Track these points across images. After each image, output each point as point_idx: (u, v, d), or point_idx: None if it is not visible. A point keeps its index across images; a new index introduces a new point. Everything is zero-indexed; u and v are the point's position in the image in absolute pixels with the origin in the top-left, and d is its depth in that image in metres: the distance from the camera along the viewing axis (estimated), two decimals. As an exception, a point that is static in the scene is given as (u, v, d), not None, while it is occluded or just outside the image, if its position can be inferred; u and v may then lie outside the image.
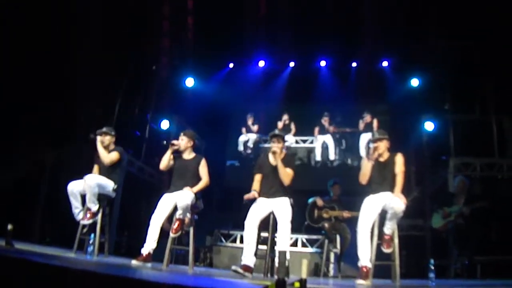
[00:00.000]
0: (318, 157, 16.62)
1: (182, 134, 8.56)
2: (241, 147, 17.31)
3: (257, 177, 8.19)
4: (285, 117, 16.70)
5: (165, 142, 8.51)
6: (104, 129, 9.03)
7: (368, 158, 7.63)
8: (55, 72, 12.28)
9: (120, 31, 13.54)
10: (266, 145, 16.87)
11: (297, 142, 17.76)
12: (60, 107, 12.77)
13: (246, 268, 7.28)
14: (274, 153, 7.93)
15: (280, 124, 16.38)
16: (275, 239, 7.69)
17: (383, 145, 7.52)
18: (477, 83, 13.74)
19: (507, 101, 13.03)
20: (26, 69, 11.57)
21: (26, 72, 11.59)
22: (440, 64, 14.44)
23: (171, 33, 16.27)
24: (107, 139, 8.98)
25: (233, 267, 7.33)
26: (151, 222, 7.88)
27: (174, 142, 8.43)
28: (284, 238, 7.44)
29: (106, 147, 8.93)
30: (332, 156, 16.46)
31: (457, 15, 13.37)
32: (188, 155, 8.54)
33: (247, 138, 17.23)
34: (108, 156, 8.85)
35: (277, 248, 7.47)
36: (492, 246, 11.56)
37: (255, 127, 17.10)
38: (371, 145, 7.63)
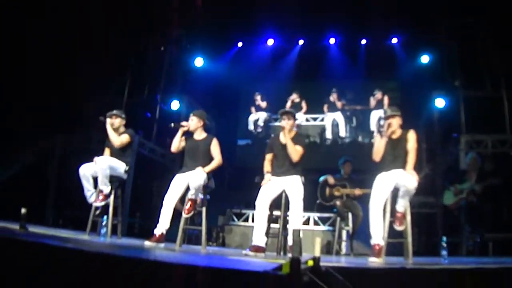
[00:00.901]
0: (328, 134, 16.61)
1: (191, 114, 8.53)
2: (251, 126, 17.31)
3: (268, 157, 8.21)
4: (294, 96, 16.69)
5: (172, 124, 8.47)
6: (114, 112, 9.03)
7: (381, 135, 7.61)
8: (63, 57, 12.30)
9: (128, 12, 13.51)
10: (277, 124, 16.89)
11: (307, 120, 17.75)
12: (68, 92, 12.79)
13: (257, 248, 7.31)
14: (283, 129, 7.93)
15: (288, 103, 16.34)
16: (287, 217, 7.70)
17: (395, 122, 7.48)
18: (488, 59, 13.64)
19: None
20: (35, 54, 11.60)
21: (34, 57, 11.62)
22: (450, 41, 14.35)
23: (180, 13, 16.20)
24: (117, 121, 8.98)
25: (244, 252, 7.37)
26: (164, 202, 7.91)
27: (183, 123, 8.40)
28: (296, 217, 7.46)
29: (116, 130, 8.92)
30: (342, 133, 16.45)
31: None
32: (199, 135, 8.52)
33: (257, 117, 17.23)
34: (119, 139, 8.86)
35: (290, 227, 7.49)
36: (504, 224, 11.54)
37: (264, 104, 17.07)
38: (384, 122, 7.59)
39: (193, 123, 8.45)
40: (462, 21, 14.13)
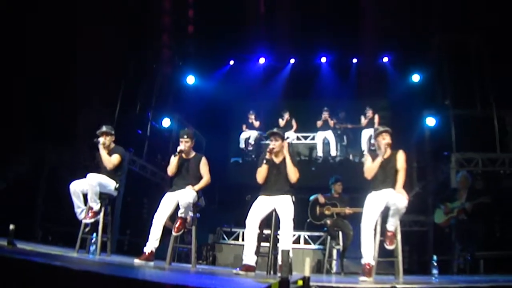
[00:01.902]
0: (319, 153, 16.63)
1: (185, 136, 8.47)
2: (242, 144, 17.30)
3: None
4: (286, 114, 16.74)
5: (176, 154, 8.44)
6: (104, 129, 8.96)
7: (372, 154, 7.66)
8: (56, 71, 12.29)
9: (121, 29, 13.54)
10: (268, 142, 16.92)
11: (298, 138, 17.76)
12: (61, 106, 12.78)
13: (248, 267, 7.27)
14: (274, 151, 7.89)
15: (282, 122, 16.42)
16: (278, 236, 7.68)
17: (388, 136, 7.51)
18: (479, 78, 13.71)
19: (508, 96, 13.02)
20: (28, 67, 11.59)
21: (27, 70, 11.61)
22: (441, 60, 14.43)
23: (172, 31, 16.26)
24: (108, 139, 8.94)
25: (234, 271, 7.32)
26: (154, 221, 7.90)
27: (181, 148, 8.40)
28: (286, 236, 7.42)
29: (107, 147, 8.90)
30: (333, 152, 16.46)
31: (457, 10, 13.35)
32: (189, 154, 8.54)
33: (248, 135, 17.23)
34: (111, 161, 8.81)
35: (280, 246, 7.47)
36: (495, 242, 11.56)
37: (257, 123, 17.10)
38: (378, 137, 7.61)
39: (188, 144, 8.46)
40: (453, 40, 14.21)
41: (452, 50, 14.25)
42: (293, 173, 7.79)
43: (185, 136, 8.48)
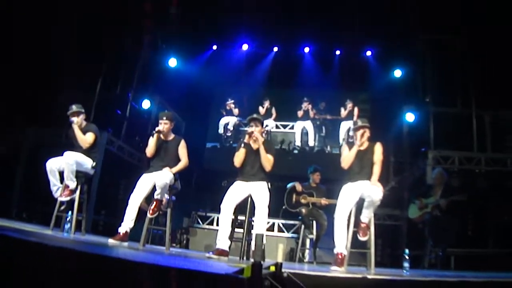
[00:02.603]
0: (297, 142, 16.69)
1: (164, 117, 8.48)
2: (221, 130, 17.32)
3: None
4: (267, 102, 16.78)
5: (154, 132, 8.41)
6: (74, 109, 8.83)
7: (350, 145, 7.70)
8: (35, 51, 12.21)
9: (103, 10, 13.44)
10: (246, 129, 16.94)
11: (277, 127, 17.78)
12: (40, 86, 12.71)
13: (221, 252, 7.30)
14: (253, 137, 7.92)
15: (262, 110, 16.46)
16: (252, 222, 7.71)
17: (367, 132, 7.56)
18: (460, 76, 13.80)
19: (488, 96, 13.12)
20: (6, 48, 11.50)
21: (5, 52, 11.52)
22: (424, 56, 14.50)
23: (155, 13, 16.14)
24: (80, 118, 8.85)
25: (207, 254, 7.34)
26: (130, 201, 7.90)
27: (159, 128, 8.39)
28: (261, 222, 7.45)
29: (79, 126, 8.83)
30: (311, 142, 16.54)
31: (442, 8, 13.39)
32: (168, 136, 8.55)
33: (228, 120, 17.25)
34: (86, 140, 8.72)
35: (254, 232, 7.50)
36: (467, 239, 11.69)
37: (236, 111, 17.12)
38: (355, 132, 7.66)
39: (167, 126, 8.46)
40: (437, 37, 14.28)
41: (435, 48, 14.31)
42: (266, 162, 7.86)
43: (164, 118, 8.48)
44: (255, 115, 8.21)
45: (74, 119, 8.74)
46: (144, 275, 3.57)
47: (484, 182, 12.77)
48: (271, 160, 7.91)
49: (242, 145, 7.98)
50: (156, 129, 8.38)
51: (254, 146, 7.98)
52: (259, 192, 7.67)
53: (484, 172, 12.77)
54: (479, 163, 12.75)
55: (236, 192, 7.75)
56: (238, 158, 8.02)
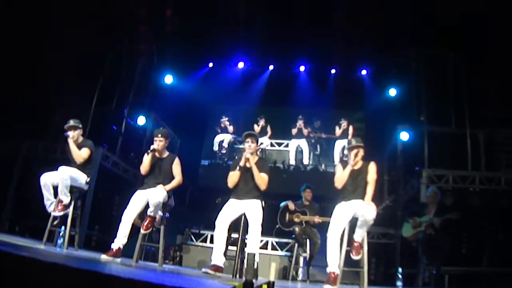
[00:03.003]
0: (292, 161, 16.71)
1: (159, 135, 8.48)
2: (216, 147, 17.32)
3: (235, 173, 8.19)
4: (262, 121, 16.81)
5: (149, 151, 8.42)
6: (72, 123, 8.88)
7: (344, 164, 7.73)
8: (32, 64, 12.24)
9: (99, 25, 13.49)
10: (241, 146, 16.95)
11: (272, 145, 17.81)
12: (36, 99, 12.72)
13: (216, 268, 7.30)
14: (247, 159, 7.96)
15: (257, 128, 16.49)
16: (245, 240, 7.72)
17: (361, 152, 7.59)
18: (454, 96, 13.86)
19: (482, 115, 13.17)
20: (3, 60, 11.52)
21: (4, 64, 11.54)
22: (418, 76, 14.55)
23: (152, 29, 16.18)
24: (76, 133, 8.87)
25: (203, 269, 7.34)
26: (123, 217, 7.88)
27: (155, 147, 8.40)
28: (254, 240, 7.47)
29: (75, 141, 8.85)
30: (306, 160, 16.56)
31: (436, 27, 13.46)
32: (163, 154, 8.55)
33: (222, 138, 17.25)
34: (81, 155, 8.75)
35: (247, 250, 7.51)
36: (461, 258, 11.69)
37: (231, 128, 17.13)
38: (349, 152, 7.69)
39: (162, 143, 8.46)
40: (431, 56, 14.34)
41: (429, 67, 14.38)
42: (260, 181, 7.90)
43: (160, 135, 8.48)
44: (251, 132, 8.25)
45: (70, 133, 8.76)
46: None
47: (478, 200, 12.79)
48: (265, 178, 7.93)
49: (238, 168, 8.00)
50: (151, 147, 8.37)
51: (248, 164, 8.01)
52: (253, 210, 7.68)
53: (478, 191, 12.79)
54: (473, 182, 12.76)
55: (231, 209, 7.76)
56: (232, 179, 8.06)
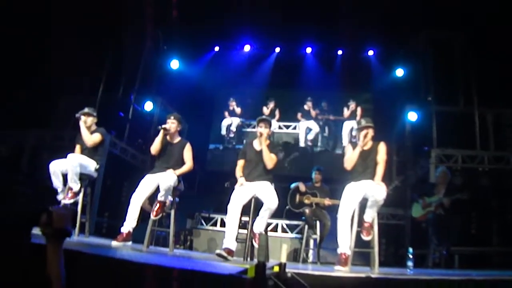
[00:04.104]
0: (302, 143, 16.69)
1: (172, 117, 8.53)
2: (224, 131, 17.32)
3: (240, 163, 8.29)
4: (271, 103, 16.80)
5: (161, 127, 8.41)
6: (86, 110, 8.95)
7: (353, 145, 7.73)
8: (37, 53, 12.23)
9: (105, 12, 13.44)
10: (249, 130, 16.95)
11: (280, 127, 17.77)
12: (41, 88, 12.72)
13: (229, 251, 7.31)
14: (261, 134, 8.00)
15: (266, 111, 16.47)
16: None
17: (370, 133, 7.58)
18: (462, 75, 13.79)
19: (490, 95, 13.12)
20: (8, 50, 11.52)
21: (7, 53, 11.54)
22: (425, 55, 14.49)
23: (157, 14, 16.11)
24: (90, 120, 8.92)
25: (217, 251, 7.33)
26: (132, 200, 7.89)
27: (166, 126, 8.40)
28: (265, 217, 7.62)
29: (88, 128, 8.87)
30: (315, 141, 16.54)
31: (443, 7, 13.37)
32: (174, 139, 8.56)
33: (230, 121, 17.26)
34: (91, 138, 8.81)
35: (256, 230, 7.56)
36: (471, 237, 11.69)
37: (238, 110, 17.12)
38: (358, 132, 7.67)
39: (174, 126, 8.48)
40: (438, 37, 14.27)
41: (436, 46, 14.30)
42: (268, 160, 7.95)
43: (172, 117, 8.52)
44: (264, 116, 8.28)
45: (83, 117, 8.79)
46: (148, 276, 3.58)
47: (487, 180, 12.76)
48: (274, 158, 8.02)
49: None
50: (163, 126, 8.40)
51: (258, 147, 8.04)
52: (265, 191, 7.74)
53: (487, 170, 12.76)
54: (482, 162, 12.73)
55: (242, 193, 7.78)
56: (238, 168, 8.28)
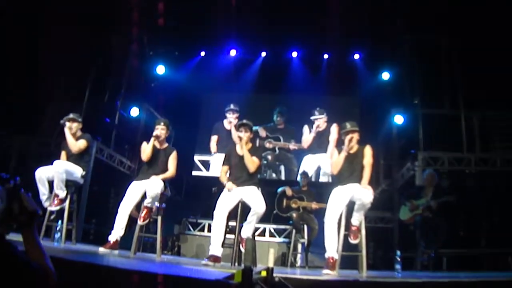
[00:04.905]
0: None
1: (162, 123, 8.58)
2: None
3: (224, 169, 8.36)
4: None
5: (154, 136, 8.42)
6: (71, 116, 8.94)
7: (337, 149, 7.76)
8: (23, 58, 12.19)
9: (90, 17, 13.42)
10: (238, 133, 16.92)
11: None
12: (27, 94, 12.68)
13: (215, 258, 7.34)
14: (241, 139, 8.03)
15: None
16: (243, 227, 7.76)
17: (356, 137, 7.59)
18: (447, 78, 13.84)
19: (476, 97, 13.17)
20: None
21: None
22: (411, 58, 14.53)
23: (142, 20, 16.09)
24: (75, 126, 8.91)
25: (203, 262, 7.34)
26: (119, 209, 7.88)
27: (157, 133, 8.41)
28: (252, 222, 7.62)
29: (73, 134, 8.85)
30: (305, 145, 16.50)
31: (428, 10, 13.43)
32: (162, 145, 8.58)
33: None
34: (76, 144, 8.79)
35: (243, 235, 7.56)
36: (458, 240, 11.74)
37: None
38: (346, 136, 7.67)
39: (164, 132, 8.53)
40: (423, 39, 14.31)
41: (422, 49, 14.35)
42: (250, 163, 8.00)
43: (162, 123, 8.58)
44: (244, 121, 8.28)
45: (68, 123, 8.77)
46: (135, 282, 3.56)
47: (474, 182, 12.81)
48: (256, 161, 8.08)
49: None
50: (154, 133, 8.42)
51: (240, 152, 8.07)
52: (252, 195, 7.76)
53: (474, 172, 12.80)
54: (469, 164, 12.76)
55: (228, 198, 7.79)
56: (223, 174, 8.35)
